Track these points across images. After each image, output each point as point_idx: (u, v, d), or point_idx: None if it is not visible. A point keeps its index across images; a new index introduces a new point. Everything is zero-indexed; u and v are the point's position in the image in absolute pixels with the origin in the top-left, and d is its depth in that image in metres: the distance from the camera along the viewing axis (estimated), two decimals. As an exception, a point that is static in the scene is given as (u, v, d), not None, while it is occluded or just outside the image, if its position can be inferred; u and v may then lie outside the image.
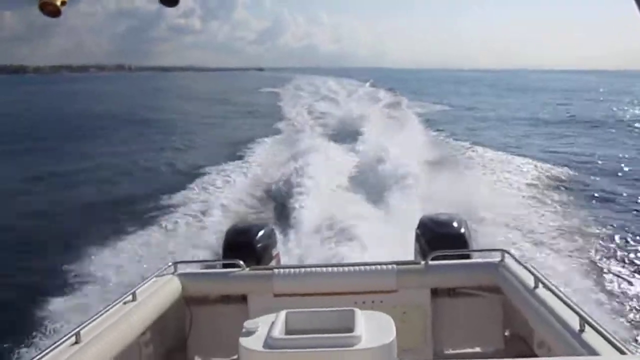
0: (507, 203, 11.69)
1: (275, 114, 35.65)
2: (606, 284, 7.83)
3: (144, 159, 20.73)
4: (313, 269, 3.84)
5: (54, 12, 1.64)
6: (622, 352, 2.25)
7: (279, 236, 5.24)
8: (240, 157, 19.05)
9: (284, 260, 4.84)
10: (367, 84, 60.56)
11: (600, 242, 9.62)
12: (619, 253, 9.17)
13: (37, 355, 2.44)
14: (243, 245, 4.31)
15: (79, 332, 2.71)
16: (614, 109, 39.79)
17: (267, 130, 26.65)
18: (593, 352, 2.32)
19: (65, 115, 39.16)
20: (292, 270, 3.81)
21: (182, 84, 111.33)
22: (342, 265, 3.87)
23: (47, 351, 2.51)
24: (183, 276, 3.82)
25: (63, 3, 1.63)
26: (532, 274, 3.23)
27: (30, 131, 30.21)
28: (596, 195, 13.60)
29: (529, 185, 14.12)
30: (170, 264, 3.90)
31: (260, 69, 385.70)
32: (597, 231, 10.21)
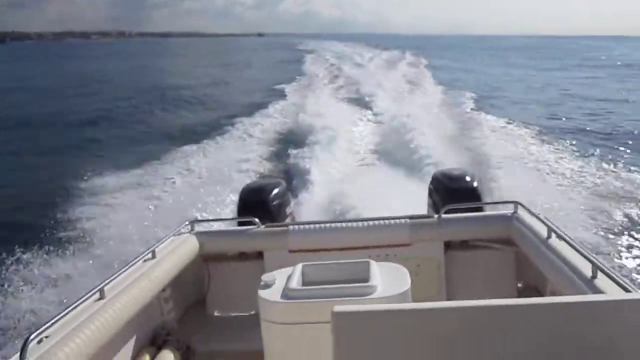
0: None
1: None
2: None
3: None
4: (327, 224, 3.88)
5: None
6: (627, 292, 2.30)
7: (292, 194, 5.29)
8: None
9: (297, 219, 4.89)
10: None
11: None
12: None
13: (64, 310, 2.52)
14: (258, 204, 4.35)
15: (102, 288, 2.80)
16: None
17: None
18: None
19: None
20: (306, 226, 3.86)
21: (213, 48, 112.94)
22: (356, 221, 3.90)
23: (73, 305, 2.59)
24: (200, 234, 3.89)
25: None
26: (545, 224, 3.23)
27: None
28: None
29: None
30: (187, 222, 3.97)
31: (260, 35, 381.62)
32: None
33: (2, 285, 6.62)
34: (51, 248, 7.57)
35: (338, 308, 1.72)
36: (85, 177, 11.28)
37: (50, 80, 40.34)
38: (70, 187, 10.64)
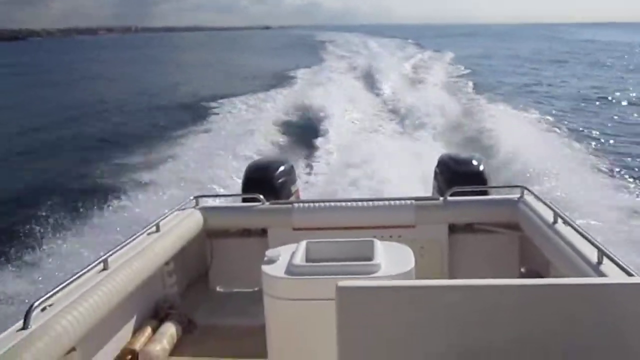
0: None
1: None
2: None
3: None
4: (332, 203, 3.87)
5: None
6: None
7: (299, 172, 5.26)
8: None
9: (303, 197, 4.87)
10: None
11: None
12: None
13: (68, 279, 2.53)
14: (263, 181, 4.33)
15: (106, 259, 2.81)
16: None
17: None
18: None
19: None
20: (311, 204, 3.84)
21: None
22: (362, 200, 3.89)
23: (77, 275, 2.61)
24: (204, 210, 3.89)
25: None
26: (552, 209, 3.21)
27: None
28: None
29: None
30: (192, 197, 3.97)
31: (267, 27, 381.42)
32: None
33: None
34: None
35: (342, 283, 1.71)
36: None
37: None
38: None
